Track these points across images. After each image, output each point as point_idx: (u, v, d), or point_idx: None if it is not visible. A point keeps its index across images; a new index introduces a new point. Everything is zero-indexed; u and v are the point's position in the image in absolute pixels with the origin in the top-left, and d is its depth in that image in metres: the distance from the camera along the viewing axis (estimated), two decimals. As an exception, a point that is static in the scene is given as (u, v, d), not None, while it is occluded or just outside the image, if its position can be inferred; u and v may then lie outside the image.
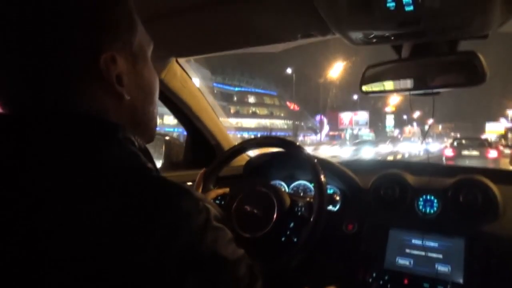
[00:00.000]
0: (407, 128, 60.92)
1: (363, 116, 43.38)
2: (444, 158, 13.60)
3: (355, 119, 43.22)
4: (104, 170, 0.46)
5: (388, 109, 51.36)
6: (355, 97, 45.74)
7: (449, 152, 13.95)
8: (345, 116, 43.97)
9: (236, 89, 41.87)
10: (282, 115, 45.88)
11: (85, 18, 0.49)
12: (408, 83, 1.09)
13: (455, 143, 14.94)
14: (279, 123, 44.25)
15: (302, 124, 46.94)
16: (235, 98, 41.30)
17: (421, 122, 58.60)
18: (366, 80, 1.14)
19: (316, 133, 42.80)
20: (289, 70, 34.13)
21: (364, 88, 1.14)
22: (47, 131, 0.46)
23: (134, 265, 0.41)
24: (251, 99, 44.10)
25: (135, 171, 0.48)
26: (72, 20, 0.48)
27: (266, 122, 43.36)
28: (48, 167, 0.44)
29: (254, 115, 43.33)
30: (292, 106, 43.00)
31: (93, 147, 0.47)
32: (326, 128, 44.27)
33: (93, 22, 0.49)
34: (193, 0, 0.96)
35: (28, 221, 0.41)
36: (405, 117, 62.68)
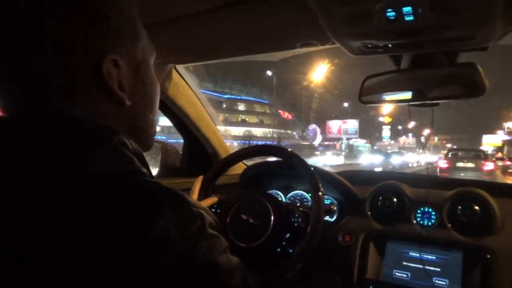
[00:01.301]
0: (402, 139, 60.75)
1: (352, 124, 41.19)
2: (438, 170, 13.14)
3: (344, 128, 41.10)
4: (97, 174, 0.45)
5: (382, 119, 50.59)
6: (346, 104, 45.04)
7: (443, 164, 13.54)
8: (334, 124, 41.86)
9: (226, 96, 40.97)
10: (273, 123, 44.50)
11: (89, 23, 0.49)
12: (407, 94, 1.09)
13: (450, 154, 14.53)
14: (268, 131, 42.94)
15: (294, 133, 45.89)
16: (224, 106, 40.43)
17: (416, 132, 58.39)
18: (365, 91, 1.13)
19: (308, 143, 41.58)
20: (269, 72, 33.47)
21: (363, 98, 1.14)
22: (42, 134, 0.46)
23: (125, 273, 0.39)
24: (241, 107, 43.02)
25: (128, 175, 0.48)
26: (76, 24, 0.48)
27: (256, 130, 42.22)
28: (41, 171, 0.43)
29: (243, 123, 42.21)
30: (286, 115, 42.05)
31: (86, 151, 0.46)
32: (319, 138, 42.56)
33: (98, 27, 0.49)
34: (192, 7, 0.95)
35: (21, 226, 0.40)
36: (400, 127, 62.36)
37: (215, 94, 38.75)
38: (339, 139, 42.95)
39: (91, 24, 0.49)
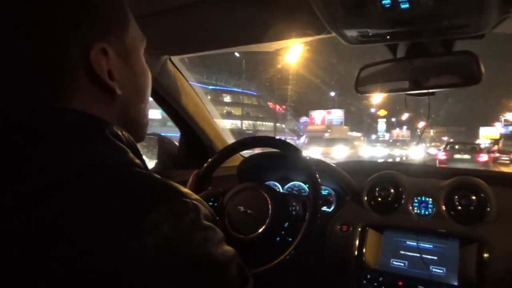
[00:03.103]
0: (395, 131, 60.23)
1: (337, 114, 38.89)
2: (437, 162, 14.55)
3: (328, 118, 38.69)
4: (89, 168, 0.44)
5: (373, 110, 49.43)
6: (332, 94, 43.39)
7: (442, 156, 14.92)
8: (317, 115, 39.44)
9: (210, 87, 38.93)
10: (261, 115, 42.84)
11: (77, 11, 0.48)
12: (403, 83, 1.09)
13: (448, 147, 15.86)
14: (255, 124, 40.86)
15: (283, 126, 43.50)
16: (208, 97, 38.24)
17: (410, 124, 57.62)
18: (361, 81, 1.13)
19: (298, 136, 38.89)
20: (236, 54, 31.96)
21: (359, 88, 1.14)
22: (32, 128, 0.45)
23: (119, 267, 0.39)
24: (227, 99, 41.08)
25: (121, 168, 0.47)
26: (64, 12, 0.47)
27: (243, 123, 40.55)
28: (33, 166, 0.43)
29: (229, 115, 40.17)
30: (277, 107, 39.81)
31: (77, 143, 0.46)
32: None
33: (86, 15, 0.49)
34: (187, -3, 0.95)
35: (16, 222, 0.40)
36: (393, 119, 61.55)
37: (199, 85, 37.02)
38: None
39: (79, 11, 0.48)
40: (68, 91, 0.49)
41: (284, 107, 41.08)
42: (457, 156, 14.62)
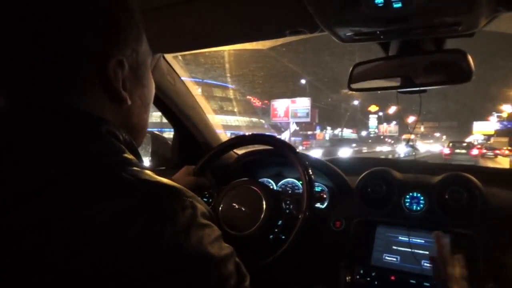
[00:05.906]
0: (382, 127, 59.29)
1: (303, 104, 31.94)
2: (443, 155, 22.36)
3: (292, 109, 31.86)
4: (85, 165, 0.44)
5: (356, 102, 47.31)
6: (303, 81, 40.81)
7: (447, 150, 23.38)
8: (280, 105, 32.66)
9: (182, 79, 36.29)
10: (236, 110, 38.58)
11: (99, 23, 0.50)
12: (395, 80, 1.10)
13: (451, 144, 24.62)
14: (230, 119, 36.74)
15: (263, 121, 40.81)
16: None
17: (399, 119, 56.37)
18: (354, 78, 1.14)
19: (281, 132, 36.06)
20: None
21: (352, 86, 1.15)
22: (31, 125, 0.46)
23: (116, 266, 0.39)
24: (198, 91, 38.00)
25: (116, 166, 0.47)
26: (86, 23, 0.49)
27: (213, 117, 37.46)
28: (29, 163, 0.43)
29: None
30: (257, 102, 37.59)
31: (74, 141, 0.46)
32: (293, 127, 35.32)
33: (107, 28, 0.50)
34: (180, -6, 0.94)
35: (12, 217, 0.40)
36: (380, 113, 59.51)
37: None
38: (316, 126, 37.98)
39: (101, 24, 0.50)
40: (80, 97, 0.50)
41: (266, 101, 38.94)
42: (457, 150, 22.69)
